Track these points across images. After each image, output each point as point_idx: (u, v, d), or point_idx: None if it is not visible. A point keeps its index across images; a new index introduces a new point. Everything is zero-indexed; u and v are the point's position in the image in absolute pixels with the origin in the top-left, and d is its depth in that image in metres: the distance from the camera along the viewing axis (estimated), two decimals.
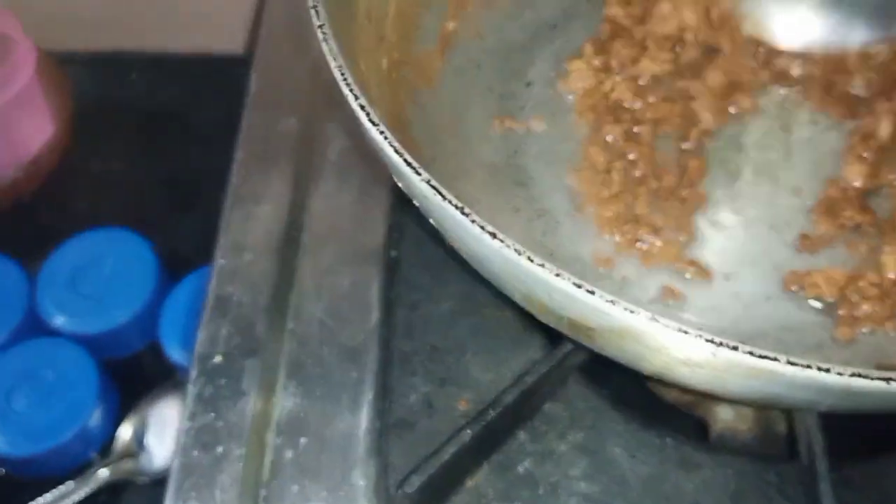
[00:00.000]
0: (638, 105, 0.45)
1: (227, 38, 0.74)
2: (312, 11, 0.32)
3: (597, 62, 0.46)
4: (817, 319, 0.39)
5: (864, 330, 0.38)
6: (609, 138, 0.44)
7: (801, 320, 0.39)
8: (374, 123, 0.30)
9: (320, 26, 0.32)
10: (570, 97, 0.46)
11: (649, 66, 0.46)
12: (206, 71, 0.76)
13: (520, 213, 0.42)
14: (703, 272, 0.40)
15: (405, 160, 0.29)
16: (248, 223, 0.46)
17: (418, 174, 0.29)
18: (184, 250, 0.65)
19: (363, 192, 0.46)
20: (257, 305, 0.43)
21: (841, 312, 0.39)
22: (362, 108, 0.30)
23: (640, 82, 0.45)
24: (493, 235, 0.28)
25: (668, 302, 0.40)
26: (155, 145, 0.74)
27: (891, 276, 0.39)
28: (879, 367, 0.37)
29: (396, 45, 0.41)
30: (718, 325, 0.39)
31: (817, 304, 0.39)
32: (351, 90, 0.30)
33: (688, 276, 0.40)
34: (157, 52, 0.78)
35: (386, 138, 0.29)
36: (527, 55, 0.47)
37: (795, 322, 0.39)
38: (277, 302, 0.44)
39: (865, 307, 0.39)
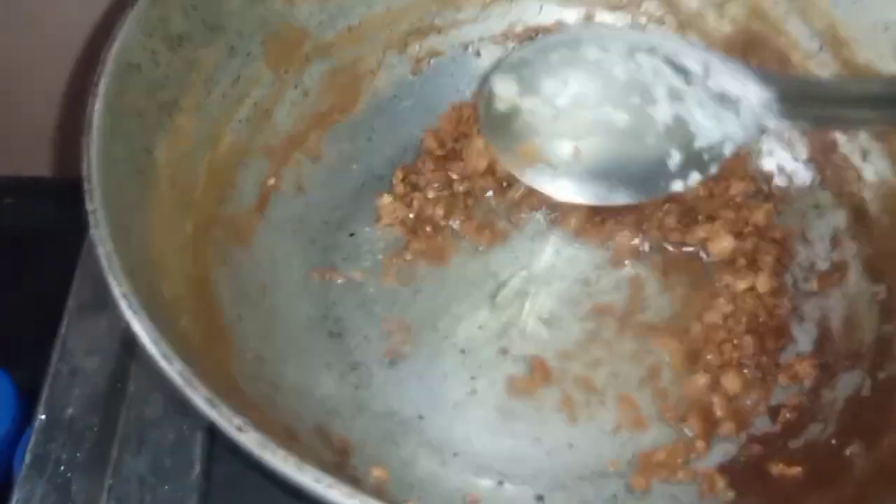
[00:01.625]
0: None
1: None
2: (86, 196, 0.33)
3: (404, 186, 0.47)
4: (616, 469, 0.40)
5: (657, 479, 0.39)
6: None
7: (600, 470, 0.40)
8: (133, 312, 0.30)
9: (92, 212, 0.33)
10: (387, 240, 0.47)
11: (456, 187, 0.47)
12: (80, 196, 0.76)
13: (332, 368, 0.42)
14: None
15: (160, 351, 0.30)
16: (75, 376, 0.46)
17: (169, 363, 0.29)
18: None
19: None
20: (76, 462, 0.43)
21: (638, 460, 0.40)
22: (123, 296, 0.30)
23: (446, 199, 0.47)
24: (240, 428, 0.28)
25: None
26: (23, 272, 0.73)
27: None
28: None
29: (206, 208, 0.41)
30: (520, 475, 0.40)
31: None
32: (114, 278, 0.31)
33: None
34: (33, 177, 0.78)
35: (143, 327, 0.30)
36: (352, 206, 0.47)
37: (594, 471, 0.40)
38: (97, 457, 0.43)
39: (660, 455, 0.40)
